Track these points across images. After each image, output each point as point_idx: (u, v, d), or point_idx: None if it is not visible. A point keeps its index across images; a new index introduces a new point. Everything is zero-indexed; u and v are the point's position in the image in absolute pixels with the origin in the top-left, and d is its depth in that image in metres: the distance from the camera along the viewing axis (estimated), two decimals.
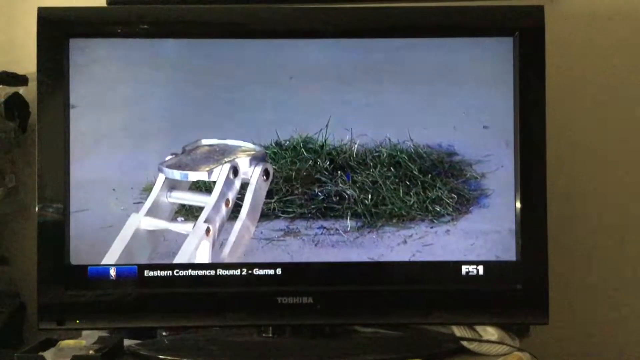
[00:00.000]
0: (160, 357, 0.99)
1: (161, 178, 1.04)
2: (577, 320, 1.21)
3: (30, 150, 1.19)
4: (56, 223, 1.01)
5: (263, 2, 1.16)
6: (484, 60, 0.98)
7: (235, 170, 1.05)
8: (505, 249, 1.04)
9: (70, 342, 1.01)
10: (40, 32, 0.98)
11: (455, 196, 1.04)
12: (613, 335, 1.22)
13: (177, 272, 1.05)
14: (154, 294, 1.03)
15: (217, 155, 1.06)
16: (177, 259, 1.03)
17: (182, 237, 1.03)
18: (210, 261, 1.05)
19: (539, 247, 1.02)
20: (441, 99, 1.02)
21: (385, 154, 1.02)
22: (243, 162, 1.05)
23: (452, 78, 1.07)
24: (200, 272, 1.04)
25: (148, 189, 1.04)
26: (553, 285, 1.02)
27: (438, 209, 1.04)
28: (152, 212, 1.05)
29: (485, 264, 1.03)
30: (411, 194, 1.04)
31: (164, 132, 1.08)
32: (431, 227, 1.03)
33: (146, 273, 1.07)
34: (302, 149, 1.03)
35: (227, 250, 1.04)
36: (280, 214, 1.03)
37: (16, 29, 1.24)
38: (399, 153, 1.02)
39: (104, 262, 1.05)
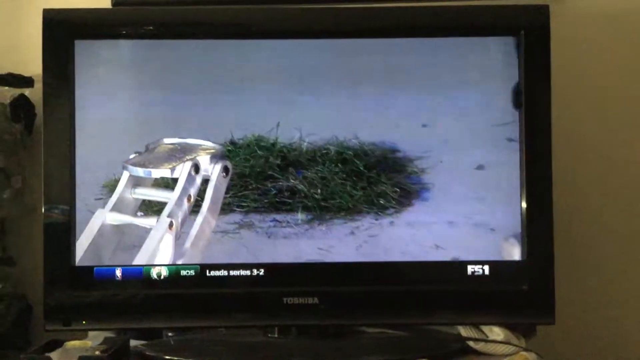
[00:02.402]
0: (166, 357, 1.00)
1: (125, 175, 1.19)
2: (584, 320, 1.22)
3: (36, 151, 1.21)
4: (62, 224, 1.03)
5: (281, 3, 1.19)
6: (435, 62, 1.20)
7: (196, 168, 1.19)
8: (443, 240, 1.18)
9: (77, 343, 1.02)
10: (45, 33, 0.99)
11: (399, 190, 1.17)
12: (620, 335, 1.23)
13: (182, 273, 1.06)
14: (160, 295, 1.04)
15: (179, 153, 1.19)
16: (142, 252, 1.19)
17: (143, 231, 1.19)
18: (172, 253, 1.21)
19: (545, 246, 1.02)
20: (385, 100, 1.18)
21: (333, 152, 1.15)
22: (204, 159, 1.18)
23: (393, 80, 1.21)
24: (206, 273, 1.05)
25: (107, 185, 1.20)
26: (559, 285, 1.02)
27: (383, 202, 1.17)
28: (117, 208, 1.19)
29: (491, 264, 1.04)
30: (358, 188, 1.17)
31: (127, 131, 1.23)
32: (376, 220, 1.16)
33: (152, 274, 1.08)
34: (255, 147, 1.17)
35: (188, 243, 1.19)
36: (235, 208, 1.15)
37: (21, 30, 1.26)
38: (345, 150, 1.16)
39: None
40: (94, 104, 1.12)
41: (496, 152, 1.14)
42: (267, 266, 1.13)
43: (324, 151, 1.14)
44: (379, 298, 1.15)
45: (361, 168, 1.14)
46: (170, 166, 1.15)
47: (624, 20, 1.38)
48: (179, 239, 1.16)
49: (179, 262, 1.14)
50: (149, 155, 1.15)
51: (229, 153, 1.14)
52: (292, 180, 1.14)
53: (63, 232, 1.14)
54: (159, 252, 1.15)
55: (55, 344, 1.18)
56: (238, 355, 1.15)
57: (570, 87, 1.34)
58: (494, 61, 1.14)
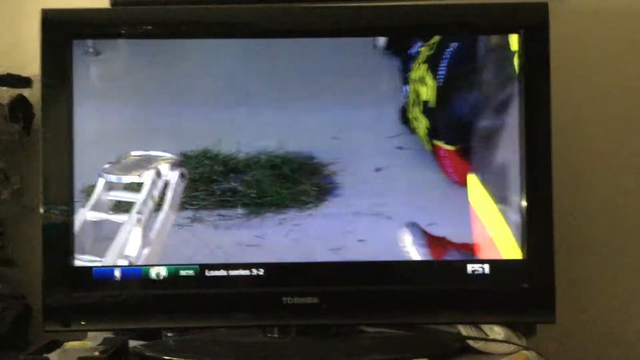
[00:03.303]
0: (165, 358, 1.00)
1: (101, 181, 1.45)
2: (584, 319, 1.20)
3: (34, 152, 1.20)
4: (61, 225, 1.02)
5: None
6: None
7: (159, 174, 1.46)
8: (351, 226, 1.39)
9: (76, 343, 1.02)
10: (43, 33, 0.99)
11: (316, 189, 1.46)
12: (621, 333, 1.21)
13: (181, 273, 1.06)
14: (159, 295, 1.02)
15: (144, 163, 1.45)
16: (115, 242, 1.41)
17: (115, 225, 1.44)
18: (140, 243, 1.44)
19: (546, 245, 1.01)
20: (304, 116, 1.44)
21: (264, 159, 1.45)
22: (164, 167, 1.47)
23: (308, 100, 1.52)
24: (205, 273, 1.04)
25: (85, 191, 1.44)
26: (560, 284, 1.01)
27: (304, 199, 1.45)
28: (95, 207, 1.44)
29: (492, 263, 1.02)
30: (284, 188, 1.44)
31: (99, 143, 1.59)
32: (299, 212, 1.45)
33: (151, 274, 1.09)
34: (203, 158, 1.44)
35: (153, 235, 1.42)
36: (187, 206, 1.47)
37: (20, 31, 1.26)
38: (274, 158, 1.44)
39: None
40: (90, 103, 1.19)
41: (390, 158, 1.41)
42: (267, 266, 1.13)
43: (257, 159, 1.40)
44: (380, 297, 1.15)
45: (287, 172, 1.39)
46: (138, 173, 1.38)
47: (623, 17, 1.37)
48: (145, 231, 1.38)
49: (145, 250, 1.41)
50: (119, 165, 1.37)
51: (181, 163, 1.44)
52: (232, 183, 1.38)
53: (62, 233, 1.14)
54: (129, 242, 1.40)
55: (55, 345, 1.18)
56: (238, 355, 1.16)
57: (569, 85, 1.33)
58: (385, 81, 1.43)
